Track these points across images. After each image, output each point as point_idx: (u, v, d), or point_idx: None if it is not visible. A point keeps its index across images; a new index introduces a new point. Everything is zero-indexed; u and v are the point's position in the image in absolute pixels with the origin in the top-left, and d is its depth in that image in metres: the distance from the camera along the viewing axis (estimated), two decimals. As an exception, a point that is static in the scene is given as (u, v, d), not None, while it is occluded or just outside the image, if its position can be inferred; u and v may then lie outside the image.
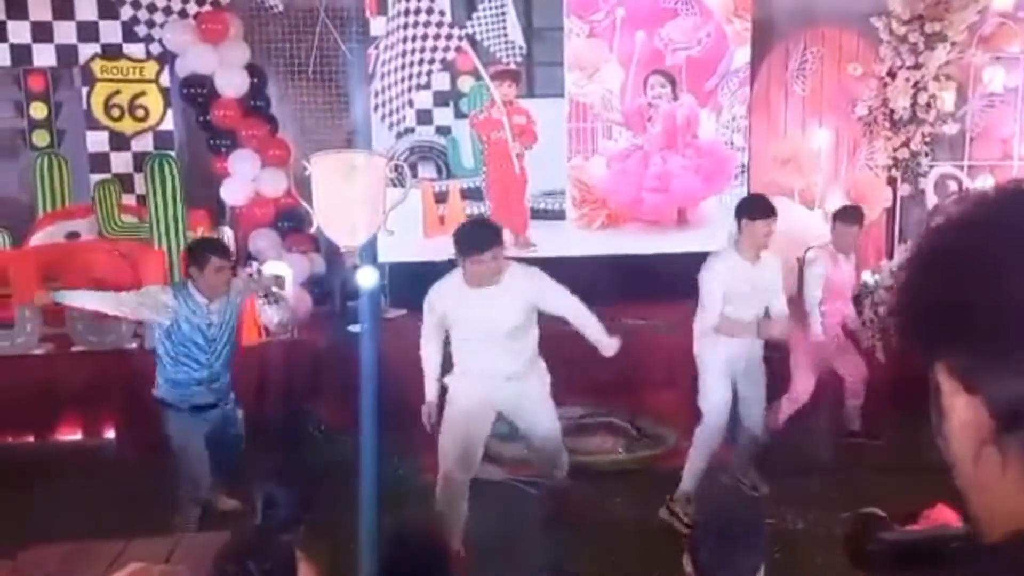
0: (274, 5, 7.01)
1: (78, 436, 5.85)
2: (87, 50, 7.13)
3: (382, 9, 6.87)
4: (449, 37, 6.84)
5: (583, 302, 4.28)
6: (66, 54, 7.14)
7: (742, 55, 7.24)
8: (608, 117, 7.21)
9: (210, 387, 4.43)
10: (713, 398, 4.70)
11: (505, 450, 5.14)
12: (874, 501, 1.37)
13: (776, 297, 4.70)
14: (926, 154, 7.05)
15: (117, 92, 7.17)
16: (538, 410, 4.33)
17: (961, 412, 0.73)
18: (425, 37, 6.83)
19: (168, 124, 7.27)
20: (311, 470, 4.91)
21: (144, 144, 7.20)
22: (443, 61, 6.90)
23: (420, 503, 4.30)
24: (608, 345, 4.29)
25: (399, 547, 2.71)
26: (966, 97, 7.16)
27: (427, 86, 6.98)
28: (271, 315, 6.07)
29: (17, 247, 6.56)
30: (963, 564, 0.79)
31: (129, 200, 6.96)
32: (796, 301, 6.14)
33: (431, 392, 4.26)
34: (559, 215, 7.22)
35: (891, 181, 7.11)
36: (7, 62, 7.12)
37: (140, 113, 7.23)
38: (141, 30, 7.08)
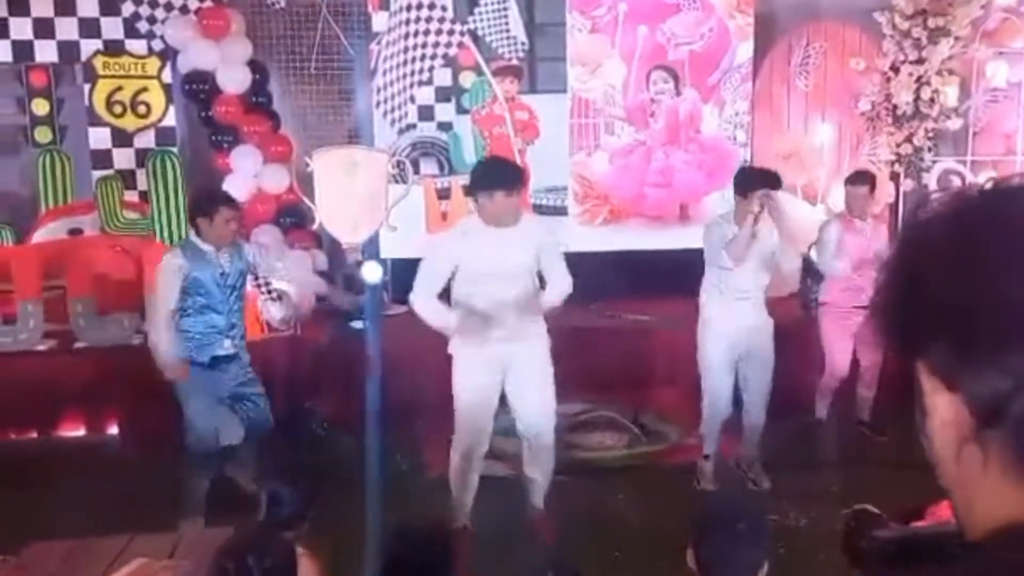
0: (275, 1, 7.00)
1: (81, 432, 5.86)
2: (89, 46, 7.12)
3: (384, 5, 6.87)
4: (451, 33, 6.83)
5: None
6: (68, 50, 7.14)
7: (745, 50, 7.23)
8: (610, 112, 7.20)
9: (228, 335, 4.49)
10: (712, 384, 4.73)
11: (508, 446, 5.13)
12: (880, 497, 1.37)
13: (782, 256, 4.66)
14: (929, 149, 7.04)
15: (119, 88, 7.17)
16: (534, 373, 4.20)
17: (942, 410, 0.74)
18: (427, 33, 6.83)
19: (170, 120, 7.27)
20: (314, 467, 4.91)
21: (146, 140, 7.20)
22: (445, 57, 6.90)
23: (423, 499, 4.30)
24: (547, 302, 4.21)
25: (402, 543, 2.71)
26: (969, 92, 7.14)
27: (429, 82, 6.98)
28: (274, 311, 6.07)
29: (20, 243, 6.57)
30: (948, 562, 0.80)
31: (131, 196, 6.96)
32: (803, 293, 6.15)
33: (450, 317, 4.13)
34: (561, 211, 7.21)
35: (894, 176, 7.10)
36: (9, 58, 7.12)
37: (142, 109, 7.22)
38: (143, 26, 7.08)
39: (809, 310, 5.88)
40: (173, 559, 3.01)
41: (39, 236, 6.60)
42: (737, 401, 4.90)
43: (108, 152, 7.22)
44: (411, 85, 6.92)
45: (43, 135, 7.37)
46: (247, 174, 6.87)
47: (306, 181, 6.52)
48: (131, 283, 5.99)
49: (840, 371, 5.48)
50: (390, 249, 6.67)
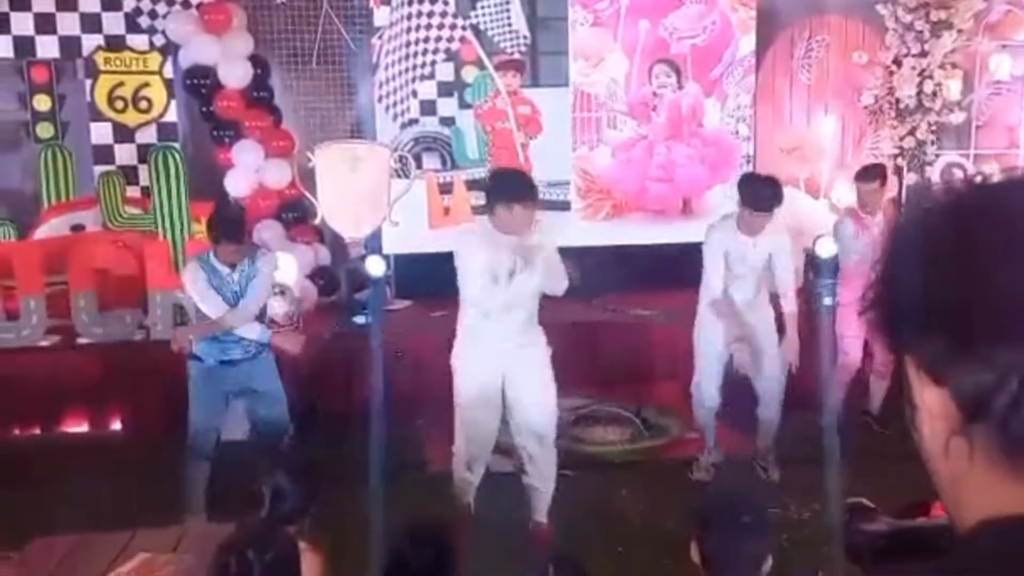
0: (277, -5, 7.00)
1: (84, 428, 5.87)
2: (90, 42, 7.11)
3: (386, -1, 6.86)
4: (453, 27, 6.82)
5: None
6: (69, 46, 7.12)
7: (747, 44, 7.21)
8: (613, 106, 7.19)
9: (240, 341, 4.53)
10: (702, 381, 4.74)
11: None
12: (885, 490, 1.36)
13: (784, 274, 4.65)
14: (932, 143, 7.03)
15: (121, 84, 7.16)
16: (532, 378, 4.17)
17: (931, 404, 0.74)
18: (429, 27, 6.82)
19: (172, 116, 7.26)
20: (317, 462, 4.90)
21: (148, 136, 7.19)
22: (447, 51, 6.89)
23: (427, 494, 4.30)
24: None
25: (406, 538, 2.71)
26: (972, 85, 7.13)
27: (431, 76, 6.97)
28: (276, 307, 6.06)
29: (22, 239, 6.57)
30: (937, 555, 0.80)
31: (133, 192, 6.96)
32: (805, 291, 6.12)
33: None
34: (564, 205, 7.20)
35: (897, 170, 7.09)
36: (10, 54, 7.11)
37: (144, 105, 7.21)
38: (144, 21, 7.07)
39: (812, 305, 5.87)
40: (176, 554, 3.02)
41: (41, 232, 6.60)
42: (753, 395, 4.92)
43: (110, 148, 7.21)
44: (413, 80, 6.91)
45: (45, 131, 7.36)
46: (249, 169, 6.86)
47: (308, 176, 6.51)
48: (133, 278, 5.99)
49: (850, 364, 5.45)
50: (392, 244, 6.66)
